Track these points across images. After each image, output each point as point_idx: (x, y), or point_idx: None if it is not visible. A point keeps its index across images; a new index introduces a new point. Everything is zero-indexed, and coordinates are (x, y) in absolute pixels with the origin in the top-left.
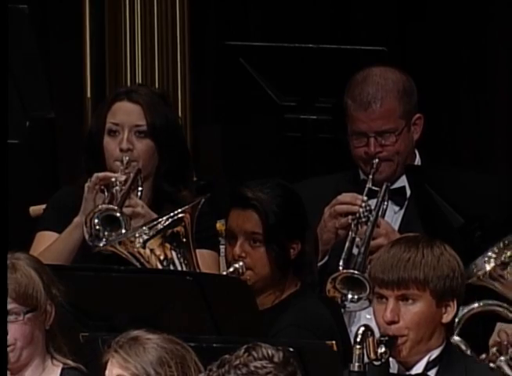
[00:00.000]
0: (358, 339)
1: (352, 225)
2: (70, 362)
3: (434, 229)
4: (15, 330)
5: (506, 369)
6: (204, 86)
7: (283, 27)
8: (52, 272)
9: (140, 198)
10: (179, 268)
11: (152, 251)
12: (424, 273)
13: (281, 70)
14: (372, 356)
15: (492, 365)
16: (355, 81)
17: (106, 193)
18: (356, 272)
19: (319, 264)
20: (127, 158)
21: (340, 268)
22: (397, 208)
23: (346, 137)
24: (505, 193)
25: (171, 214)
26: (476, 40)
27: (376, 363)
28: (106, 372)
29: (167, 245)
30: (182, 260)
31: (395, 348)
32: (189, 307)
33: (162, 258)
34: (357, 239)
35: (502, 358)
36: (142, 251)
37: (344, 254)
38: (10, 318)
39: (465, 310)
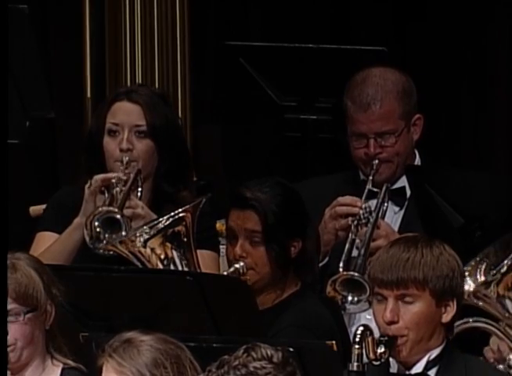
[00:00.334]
0: (357, 339)
1: (352, 227)
2: (70, 362)
3: (434, 229)
4: (15, 330)
5: None
6: (204, 86)
7: (283, 27)
8: (52, 273)
9: (140, 199)
10: (180, 267)
11: (153, 250)
12: (424, 273)
13: (281, 70)
14: (371, 356)
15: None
16: (355, 82)
17: (106, 195)
18: (356, 274)
19: (319, 265)
20: (126, 158)
21: (340, 270)
22: (397, 209)
23: (346, 138)
24: (505, 193)
25: (172, 213)
26: (476, 40)
27: (375, 363)
28: None
29: (168, 244)
30: (182, 259)
31: (395, 349)
32: (189, 307)
33: (163, 257)
34: (357, 240)
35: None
36: (142, 250)
37: (344, 255)
38: (10, 318)
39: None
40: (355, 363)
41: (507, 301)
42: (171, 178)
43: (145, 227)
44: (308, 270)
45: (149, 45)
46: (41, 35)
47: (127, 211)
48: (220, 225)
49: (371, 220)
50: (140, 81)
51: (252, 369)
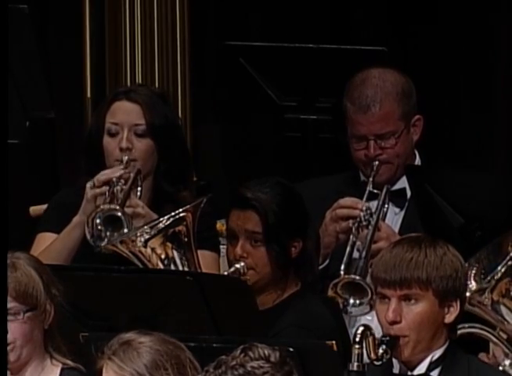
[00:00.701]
0: (358, 339)
1: (353, 229)
2: (69, 362)
3: (434, 229)
4: (14, 329)
5: None
6: (204, 86)
7: (283, 27)
8: (52, 272)
9: (139, 198)
10: (180, 267)
11: (153, 250)
12: (427, 273)
13: (281, 70)
14: (372, 356)
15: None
16: (354, 83)
17: (106, 193)
18: (357, 277)
19: (320, 267)
20: (126, 158)
21: (342, 273)
22: (397, 210)
23: (346, 139)
24: (505, 193)
25: (173, 213)
26: (476, 40)
27: (376, 363)
28: None
29: (169, 244)
30: (183, 260)
31: (397, 349)
32: (189, 307)
33: (163, 257)
34: (358, 243)
35: (506, 362)
36: (143, 250)
37: (345, 258)
38: (10, 317)
39: None
40: (355, 363)
41: (502, 308)
42: (171, 178)
43: (145, 227)
44: (308, 270)
45: (149, 45)
46: (41, 35)
47: (127, 210)
48: (220, 225)
49: (372, 222)
50: (140, 81)
51: (250, 368)
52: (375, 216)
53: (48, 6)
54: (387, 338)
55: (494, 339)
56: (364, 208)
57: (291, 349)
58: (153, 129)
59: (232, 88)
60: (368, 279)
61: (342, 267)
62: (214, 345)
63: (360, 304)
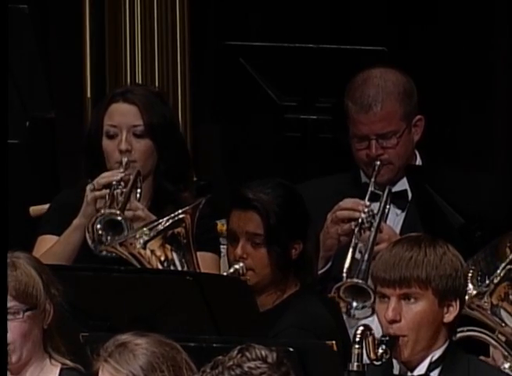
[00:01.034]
0: (357, 339)
1: (355, 231)
2: (68, 362)
3: (434, 229)
4: (14, 329)
5: None
6: (204, 86)
7: (283, 27)
8: (52, 272)
9: (139, 200)
10: (180, 269)
11: (152, 252)
12: (426, 272)
13: (281, 70)
14: (372, 356)
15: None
16: (356, 83)
17: (106, 196)
18: (360, 281)
19: (322, 271)
20: (125, 160)
21: (344, 276)
22: (399, 211)
23: (347, 138)
24: (505, 193)
25: (172, 215)
26: (477, 40)
27: (376, 363)
28: None
29: (168, 246)
30: (182, 261)
31: (397, 349)
32: (189, 307)
33: (163, 259)
34: (360, 245)
35: (506, 365)
36: (142, 252)
37: (347, 261)
38: (9, 316)
39: None
40: (355, 363)
41: (501, 311)
42: (171, 177)
43: (144, 229)
44: (308, 272)
45: (149, 45)
46: (41, 35)
47: (127, 214)
48: (220, 225)
49: (374, 224)
50: (140, 81)
51: (246, 369)
52: (377, 218)
53: (48, 6)
54: (387, 338)
55: (493, 342)
56: (366, 210)
57: (291, 349)
58: (151, 129)
59: (232, 88)
60: (370, 281)
61: (344, 270)
62: (214, 345)
63: (363, 307)
